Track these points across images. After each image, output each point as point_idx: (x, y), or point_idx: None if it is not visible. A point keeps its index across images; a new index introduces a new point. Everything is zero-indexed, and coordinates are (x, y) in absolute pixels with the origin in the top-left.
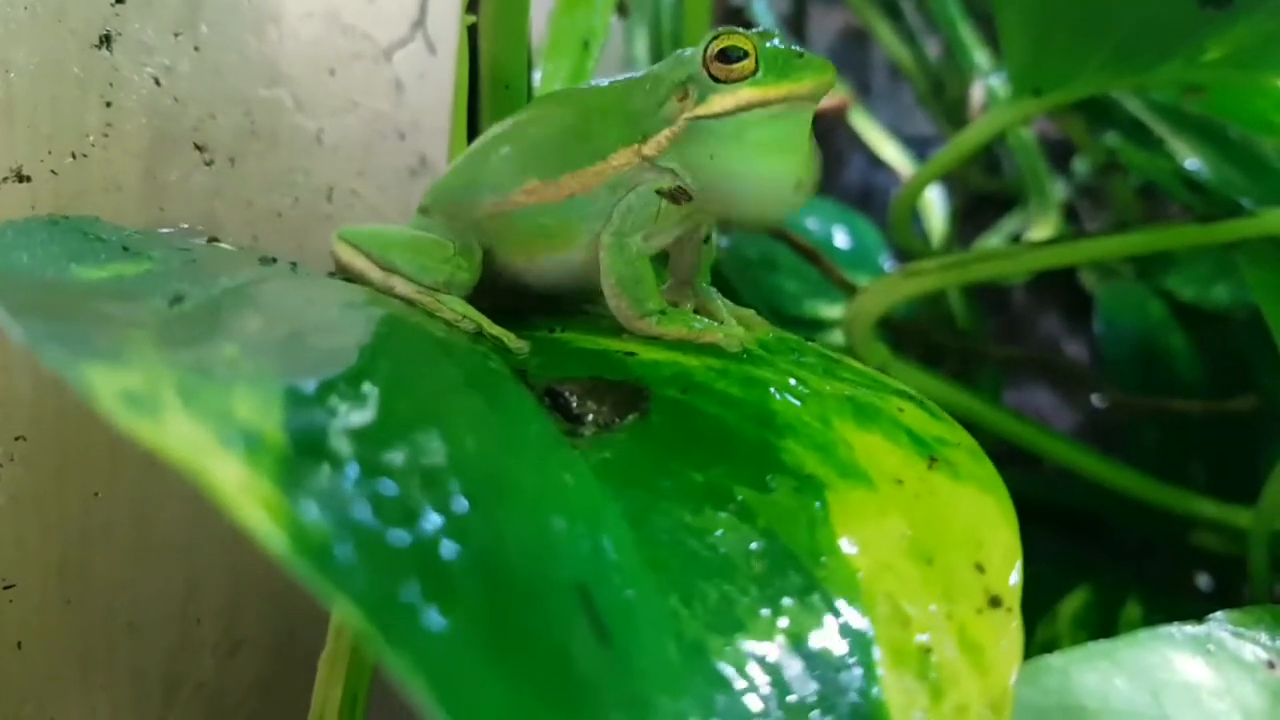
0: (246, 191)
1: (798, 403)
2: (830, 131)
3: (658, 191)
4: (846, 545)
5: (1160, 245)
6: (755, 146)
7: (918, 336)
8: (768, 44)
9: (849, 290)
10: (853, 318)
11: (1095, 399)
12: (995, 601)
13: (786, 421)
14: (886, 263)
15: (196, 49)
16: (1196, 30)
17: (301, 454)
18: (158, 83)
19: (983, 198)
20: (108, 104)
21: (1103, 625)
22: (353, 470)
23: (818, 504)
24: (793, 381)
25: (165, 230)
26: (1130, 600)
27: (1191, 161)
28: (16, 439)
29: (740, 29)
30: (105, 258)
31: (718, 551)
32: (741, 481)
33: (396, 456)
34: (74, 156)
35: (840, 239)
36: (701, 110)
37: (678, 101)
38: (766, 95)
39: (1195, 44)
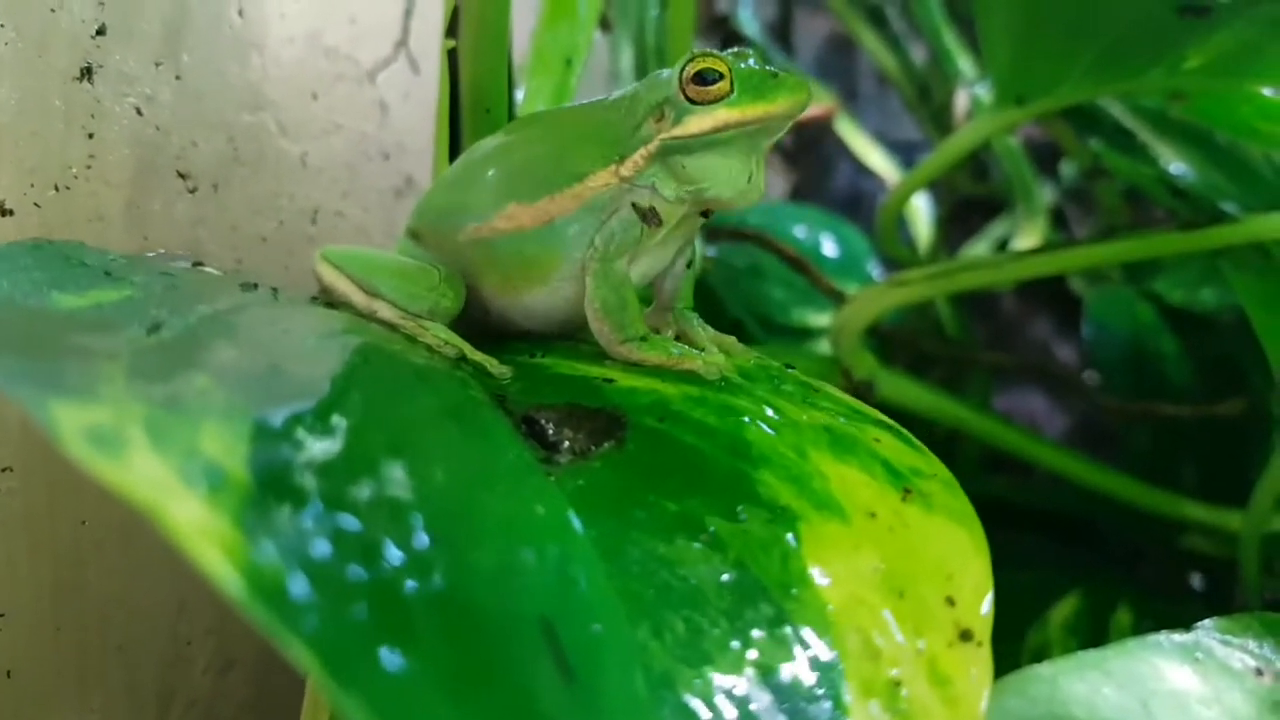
0: (230, 217)
1: (774, 433)
2: (817, 139)
3: (634, 207)
4: (818, 578)
5: (1145, 253)
6: (718, 155)
7: (906, 344)
8: (742, 65)
9: (837, 298)
10: (840, 328)
11: (1086, 404)
12: (965, 635)
13: (762, 452)
14: (874, 269)
15: (178, 77)
16: (1177, 39)
17: (264, 491)
18: (140, 112)
19: (970, 202)
20: (90, 135)
21: (1093, 631)
22: (315, 506)
23: (790, 536)
24: (770, 411)
25: (150, 255)
26: (1121, 606)
27: (1177, 166)
28: (4, 470)
29: (715, 51)
30: (86, 284)
31: (689, 583)
32: (715, 512)
33: (361, 491)
34: (57, 189)
35: (828, 247)
36: (678, 131)
37: (654, 123)
38: (744, 116)
39: (1177, 52)
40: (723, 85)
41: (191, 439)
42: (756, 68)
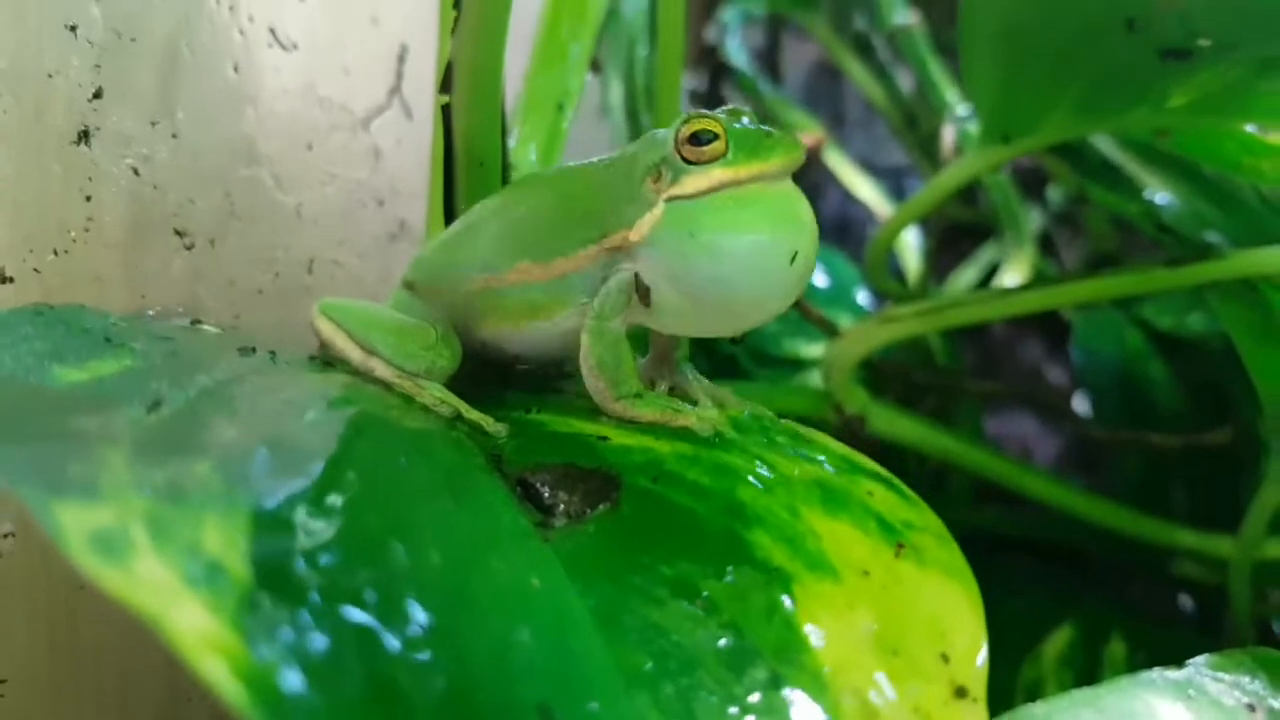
0: (228, 271)
1: (767, 491)
2: (807, 165)
3: (636, 278)
4: (813, 639)
5: (1132, 289)
6: (738, 216)
7: (897, 374)
8: (737, 124)
9: (828, 330)
10: (831, 363)
11: (1076, 430)
12: (961, 692)
13: (755, 512)
14: (863, 296)
15: (174, 136)
16: (1161, 79)
17: (264, 587)
18: (137, 172)
19: (959, 228)
20: (88, 198)
21: (1087, 663)
22: (313, 600)
23: (785, 597)
24: (763, 469)
25: (149, 313)
26: (1114, 637)
27: (1163, 196)
28: (5, 536)
29: (710, 112)
30: (87, 353)
31: (685, 650)
32: (710, 576)
33: (358, 580)
34: (56, 253)
35: (818, 278)
36: (676, 191)
37: (652, 183)
38: (738, 175)
39: (1160, 92)
40: (718, 145)
41: (193, 535)
42: (751, 127)
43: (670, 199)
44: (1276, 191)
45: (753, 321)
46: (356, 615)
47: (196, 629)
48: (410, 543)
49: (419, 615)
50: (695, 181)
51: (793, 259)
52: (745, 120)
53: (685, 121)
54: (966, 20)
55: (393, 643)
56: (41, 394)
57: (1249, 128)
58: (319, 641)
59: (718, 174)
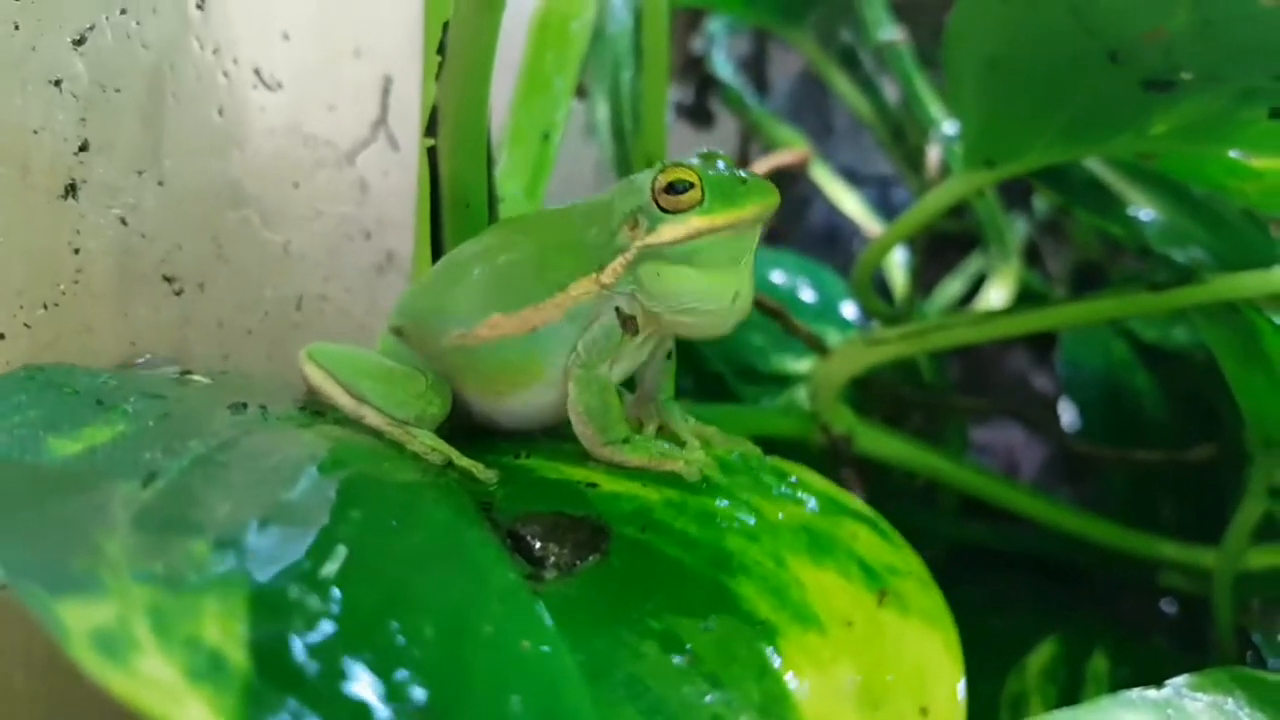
0: (217, 314)
1: (754, 540)
2: (794, 179)
3: (618, 311)
4: (797, 693)
5: (1117, 312)
6: (697, 265)
7: (884, 391)
8: (711, 171)
9: (815, 346)
10: (818, 384)
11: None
12: None
13: (742, 563)
14: (849, 310)
15: (160, 183)
16: (1144, 109)
17: (263, 674)
18: (124, 222)
19: (945, 239)
20: (76, 251)
21: (1070, 678)
22: (311, 681)
23: (770, 650)
24: (749, 518)
25: (139, 363)
26: (1097, 652)
27: (1147, 213)
28: (3, 587)
29: (685, 161)
30: (80, 419)
31: (670, 705)
32: (696, 630)
33: (354, 659)
34: (46, 307)
35: (805, 293)
36: (652, 240)
37: (629, 230)
38: (714, 223)
39: (1144, 120)
40: (694, 194)
41: (193, 626)
42: (726, 173)
43: (646, 247)
44: (1262, 211)
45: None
46: (354, 695)
47: None
48: (404, 618)
49: (417, 694)
50: (672, 230)
51: (734, 298)
52: (721, 165)
53: (661, 171)
54: (951, 49)
55: None
56: (37, 473)
57: (1232, 153)
58: None
59: (695, 222)
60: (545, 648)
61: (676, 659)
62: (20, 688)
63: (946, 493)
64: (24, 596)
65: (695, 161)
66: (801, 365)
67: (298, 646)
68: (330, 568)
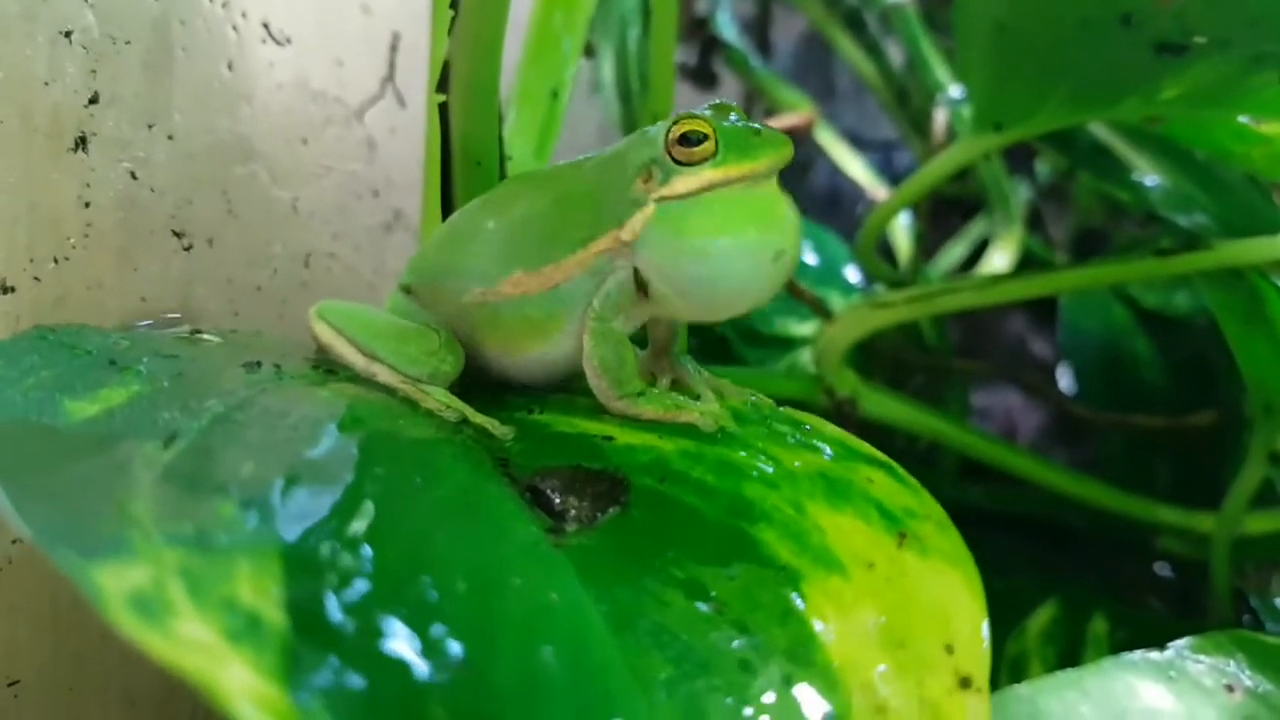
0: (225, 270)
1: (772, 487)
2: (798, 142)
3: (636, 273)
4: (822, 636)
5: (1122, 278)
6: (724, 217)
7: (887, 353)
8: (726, 122)
9: (819, 310)
10: (822, 348)
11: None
12: (965, 682)
13: (762, 509)
14: (853, 273)
15: (170, 137)
16: (1154, 72)
17: (302, 634)
18: (134, 176)
19: (949, 202)
20: (86, 204)
21: (1069, 640)
22: (348, 639)
23: (794, 595)
24: (766, 465)
25: (147, 324)
26: (1097, 615)
27: (1152, 178)
28: (14, 542)
29: (699, 113)
30: (94, 381)
31: (698, 652)
32: (720, 577)
33: (391, 617)
34: (55, 261)
35: (808, 256)
36: (666, 192)
37: (643, 183)
38: (728, 175)
39: (1153, 84)
40: (708, 146)
41: (228, 586)
42: (739, 125)
43: (661, 199)
44: (1268, 176)
45: (736, 313)
46: (392, 651)
47: (244, 688)
48: (435, 573)
49: (453, 648)
50: (686, 182)
51: (776, 258)
52: (734, 117)
53: (675, 122)
54: (960, 12)
55: (428, 676)
56: (56, 435)
57: (1241, 118)
58: (356, 681)
59: (708, 174)
60: (572, 599)
61: (702, 606)
62: (24, 641)
63: (947, 456)
64: (57, 560)
65: (708, 113)
66: (805, 328)
67: (333, 605)
68: (359, 525)
